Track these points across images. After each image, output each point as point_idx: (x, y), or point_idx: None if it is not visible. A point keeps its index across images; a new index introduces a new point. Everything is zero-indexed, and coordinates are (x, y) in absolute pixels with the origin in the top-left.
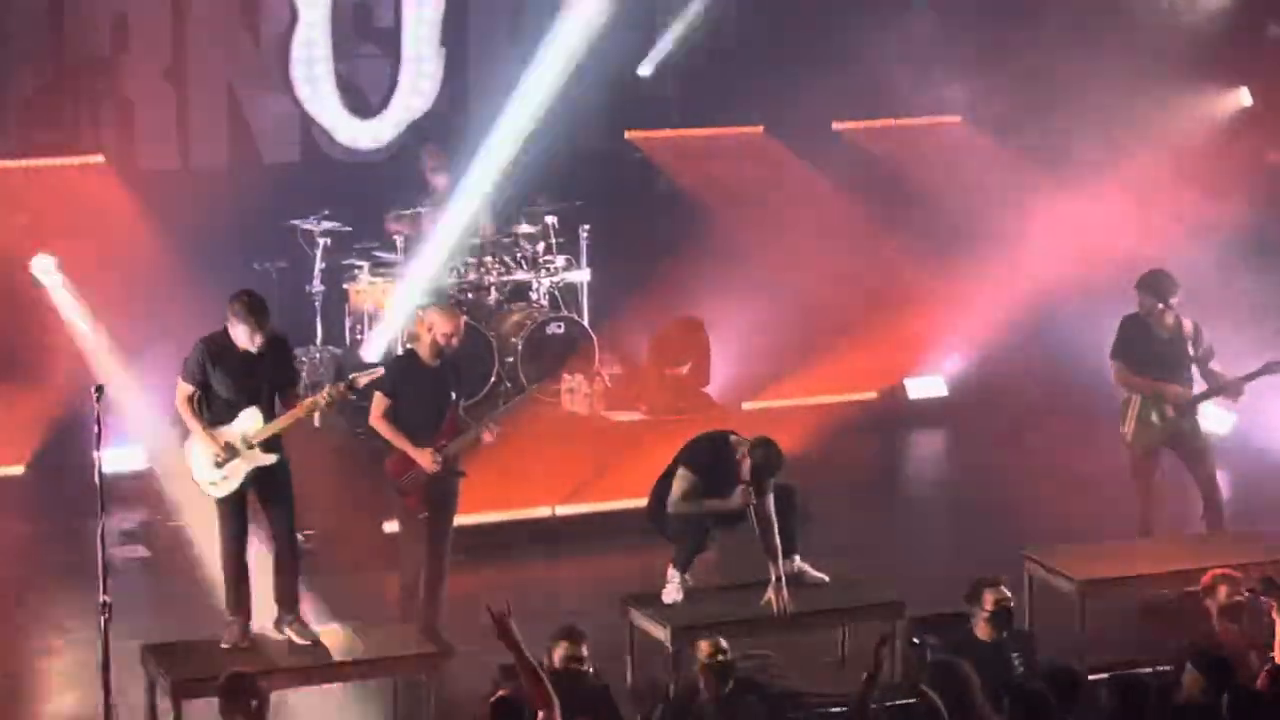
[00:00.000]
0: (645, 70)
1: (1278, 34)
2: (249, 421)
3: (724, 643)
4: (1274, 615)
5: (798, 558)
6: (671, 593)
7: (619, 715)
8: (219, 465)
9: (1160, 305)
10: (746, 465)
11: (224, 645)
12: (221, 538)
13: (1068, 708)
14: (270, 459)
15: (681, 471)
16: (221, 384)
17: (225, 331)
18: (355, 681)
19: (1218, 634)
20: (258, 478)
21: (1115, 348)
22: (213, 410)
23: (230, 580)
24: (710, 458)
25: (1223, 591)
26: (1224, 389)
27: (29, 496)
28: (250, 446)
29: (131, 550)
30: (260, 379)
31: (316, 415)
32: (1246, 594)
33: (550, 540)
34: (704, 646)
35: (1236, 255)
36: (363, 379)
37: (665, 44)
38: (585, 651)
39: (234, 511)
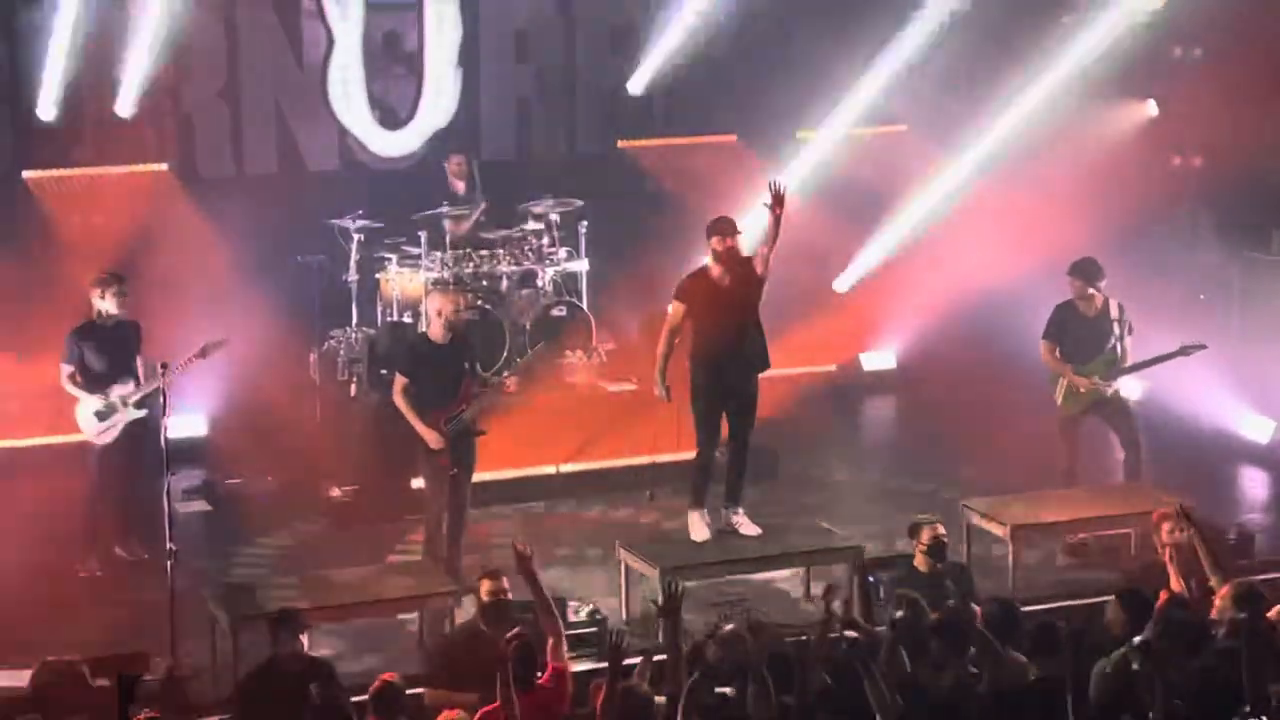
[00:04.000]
0: (635, 88)
1: (1180, 55)
2: (124, 387)
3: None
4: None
5: (741, 509)
6: (700, 531)
7: None
8: (101, 419)
9: (1089, 288)
10: (710, 259)
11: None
12: (96, 485)
13: (1007, 636)
14: (142, 413)
15: (672, 305)
16: (94, 359)
17: (89, 320)
18: (388, 615)
19: (1162, 564)
20: (131, 430)
21: (1046, 329)
22: (89, 380)
23: (92, 518)
24: (689, 280)
25: (1165, 528)
26: (1140, 367)
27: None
28: (126, 405)
29: (194, 505)
30: (127, 351)
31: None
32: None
33: (554, 494)
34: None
35: (1145, 246)
36: (183, 361)
37: (651, 65)
38: (506, 585)
39: (106, 466)
